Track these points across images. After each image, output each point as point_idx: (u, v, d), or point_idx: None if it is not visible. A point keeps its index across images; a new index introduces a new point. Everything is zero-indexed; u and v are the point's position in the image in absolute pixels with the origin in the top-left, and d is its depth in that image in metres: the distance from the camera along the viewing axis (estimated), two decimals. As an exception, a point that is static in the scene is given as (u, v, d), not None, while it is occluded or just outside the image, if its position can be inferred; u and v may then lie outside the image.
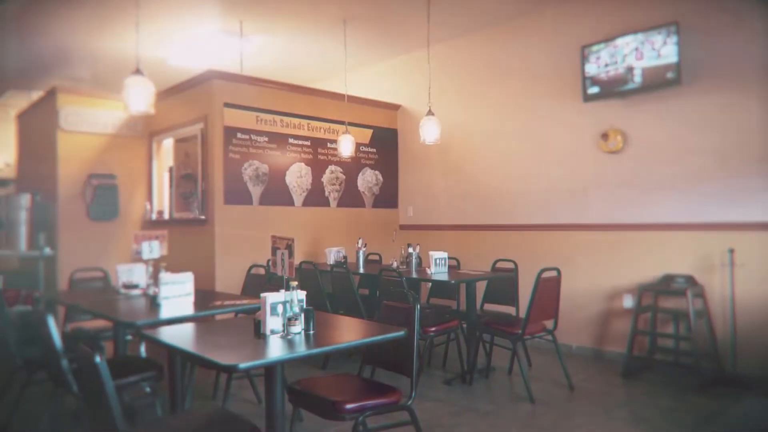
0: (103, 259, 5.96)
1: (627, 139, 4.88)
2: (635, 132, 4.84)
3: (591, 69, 4.95)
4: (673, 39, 4.42)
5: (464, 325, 4.61)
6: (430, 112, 4.91)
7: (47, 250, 5.88)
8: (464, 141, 6.24)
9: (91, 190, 6.17)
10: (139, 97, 3.56)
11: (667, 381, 4.26)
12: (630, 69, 4.70)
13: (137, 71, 3.59)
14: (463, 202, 6.26)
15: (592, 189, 5.13)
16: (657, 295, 4.59)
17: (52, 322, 2.63)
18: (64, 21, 5.57)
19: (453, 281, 4.37)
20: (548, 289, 3.99)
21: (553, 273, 4.05)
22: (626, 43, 4.71)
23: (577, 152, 5.23)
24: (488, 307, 4.91)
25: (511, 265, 4.83)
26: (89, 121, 6.19)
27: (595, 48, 4.92)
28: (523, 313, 4.07)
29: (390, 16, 5.64)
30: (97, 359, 1.79)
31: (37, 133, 6.70)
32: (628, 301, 4.81)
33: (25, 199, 6.05)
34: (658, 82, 4.55)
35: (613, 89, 4.82)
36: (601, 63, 4.88)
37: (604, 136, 4.98)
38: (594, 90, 4.94)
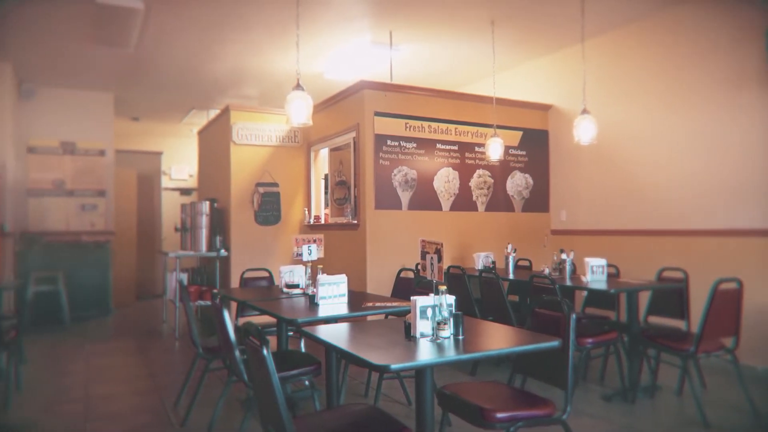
0: (268, 260, 6.51)
1: (828, 131, 4.17)
2: (839, 121, 4.13)
3: (779, 52, 4.32)
4: None
5: (624, 338, 4.27)
6: (585, 111, 4.64)
7: (222, 252, 6.57)
8: (623, 139, 5.80)
9: (258, 198, 6.77)
10: (299, 110, 3.83)
11: None
12: (832, 48, 4.01)
13: (298, 86, 3.86)
14: (622, 205, 5.81)
15: (781, 189, 4.46)
16: None
17: (227, 317, 2.92)
18: (236, 46, 6.21)
19: (612, 290, 4.06)
20: (727, 302, 3.54)
21: (733, 284, 3.59)
22: (826, 19, 4.04)
23: (764, 147, 4.59)
24: (653, 319, 4.49)
25: (679, 275, 4.37)
26: (256, 135, 6.82)
27: (784, 27, 4.29)
28: (695, 328, 3.66)
29: (540, 14, 5.44)
30: (265, 352, 1.95)
31: (214, 146, 7.53)
32: (831, 320, 4.10)
33: (205, 206, 6.82)
34: None
35: (808, 73, 4.16)
36: (793, 44, 4.23)
37: (798, 127, 4.31)
38: (783, 75, 4.31)
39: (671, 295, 4.33)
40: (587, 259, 4.44)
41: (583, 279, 4.41)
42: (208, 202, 6.89)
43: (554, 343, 2.29)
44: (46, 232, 7.66)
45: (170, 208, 10.66)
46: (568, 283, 4.42)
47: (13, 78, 6.94)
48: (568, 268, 4.70)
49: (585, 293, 5.07)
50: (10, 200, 6.88)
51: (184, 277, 7.10)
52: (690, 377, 3.65)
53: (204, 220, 6.77)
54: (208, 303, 6.37)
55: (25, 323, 6.53)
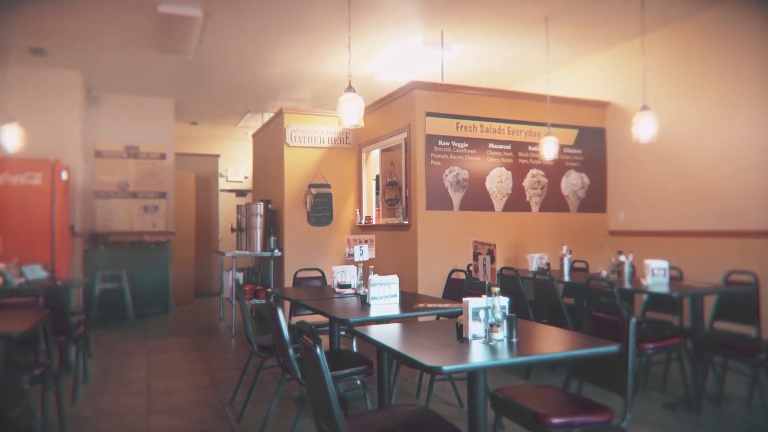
0: (320, 260, 6.59)
1: None
2: None
3: None
4: None
5: (688, 344, 4.09)
6: (645, 107, 4.47)
7: (276, 252, 6.71)
8: (687, 136, 5.55)
9: (311, 199, 6.87)
10: (351, 112, 3.86)
11: None
12: None
13: (350, 88, 3.89)
14: (685, 205, 5.56)
15: None
16: None
17: (281, 315, 2.98)
18: (289, 50, 6.32)
19: (675, 294, 3.89)
20: (801, 308, 3.33)
21: (809, 289, 3.37)
22: None
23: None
24: (719, 325, 4.27)
25: (748, 278, 4.14)
26: (309, 137, 6.93)
27: None
28: (766, 334, 3.46)
29: (596, 8, 5.28)
30: (318, 351, 1.97)
31: (268, 149, 7.70)
32: None
33: (260, 207, 6.99)
34: None
35: None
36: None
37: None
38: None
39: (740, 299, 4.10)
40: (647, 261, 4.27)
41: (643, 282, 4.25)
42: (262, 204, 7.04)
43: (612, 347, 2.22)
44: (111, 232, 8.04)
45: (227, 209, 10.97)
46: (627, 285, 4.27)
47: (82, 86, 7.32)
48: (627, 270, 4.54)
49: (645, 297, 4.89)
50: (79, 202, 7.26)
51: (240, 276, 7.29)
52: (761, 386, 3.45)
53: (259, 221, 6.93)
54: (263, 302, 6.52)
55: (92, 319, 6.87)
